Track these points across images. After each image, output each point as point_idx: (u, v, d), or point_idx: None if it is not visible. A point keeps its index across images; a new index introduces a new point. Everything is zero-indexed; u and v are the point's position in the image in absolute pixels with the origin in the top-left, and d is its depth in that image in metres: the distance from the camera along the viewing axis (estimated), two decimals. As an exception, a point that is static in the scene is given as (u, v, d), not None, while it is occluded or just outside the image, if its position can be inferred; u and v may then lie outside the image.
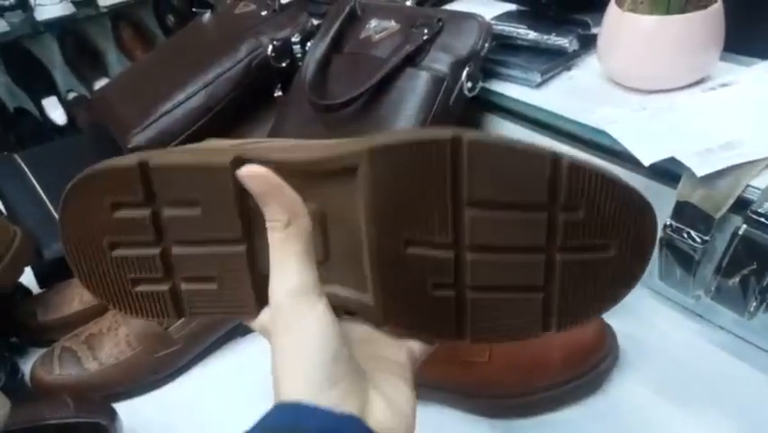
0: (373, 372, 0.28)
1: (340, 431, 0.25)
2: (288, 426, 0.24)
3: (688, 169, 0.51)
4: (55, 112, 1.49)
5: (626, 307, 0.62)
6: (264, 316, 0.29)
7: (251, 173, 0.27)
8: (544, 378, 0.52)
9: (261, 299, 0.30)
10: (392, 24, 0.72)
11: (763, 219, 0.47)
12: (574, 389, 0.53)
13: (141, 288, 0.32)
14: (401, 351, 0.31)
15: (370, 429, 0.26)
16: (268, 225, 0.27)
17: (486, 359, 0.51)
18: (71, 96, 1.56)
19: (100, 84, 1.51)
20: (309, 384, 0.25)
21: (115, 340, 0.58)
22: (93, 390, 0.57)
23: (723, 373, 0.54)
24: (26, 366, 0.60)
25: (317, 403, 0.25)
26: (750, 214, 0.48)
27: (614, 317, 0.57)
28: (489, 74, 0.70)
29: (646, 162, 0.52)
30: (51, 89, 1.52)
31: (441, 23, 0.68)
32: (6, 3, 1.28)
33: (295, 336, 0.26)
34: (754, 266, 0.48)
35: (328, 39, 0.74)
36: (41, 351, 0.60)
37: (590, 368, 0.53)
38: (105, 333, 0.59)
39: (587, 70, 0.69)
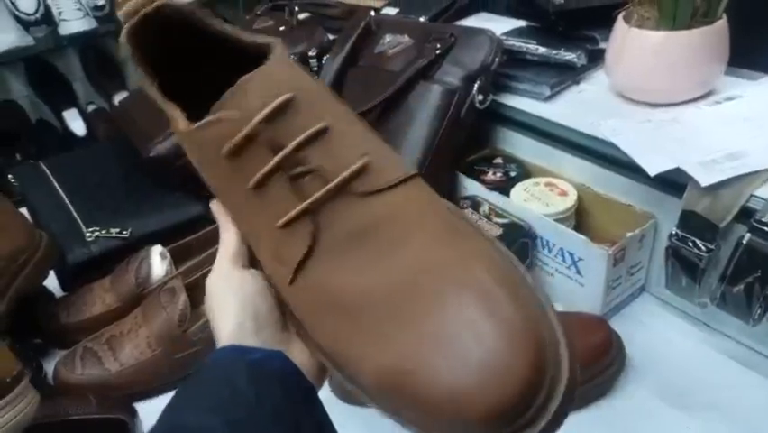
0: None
1: (268, 360, 0.31)
2: (231, 359, 0.30)
3: (693, 179, 0.52)
4: (75, 123, 1.53)
5: (633, 314, 0.64)
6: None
7: (211, 208, 0.37)
8: (552, 382, 0.53)
9: None
10: (406, 39, 0.74)
11: (767, 228, 0.49)
12: (581, 394, 0.54)
13: None
14: None
15: (292, 362, 0.32)
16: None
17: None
18: (91, 108, 1.59)
19: (119, 96, 1.54)
20: (238, 334, 0.32)
21: (136, 342, 0.60)
22: (113, 389, 0.58)
23: (728, 380, 0.55)
24: (49, 366, 0.62)
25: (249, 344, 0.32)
26: (754, 223, 0.50)
27: (620, 324, 0.58)
28: (500, 87, 0.72)
29: (652, 173, 0.54)
30: (72, 101, 1.56)
31: (453, 39, 0.70)
32: (32, 18, 1.32)
33: (221, 301, 0.33)
34: (759, 274, 0.49)
35: (344, 53, 0.76)
36: (64, 352, 0.62)
37: (597, 374, 0.54)
38: (125, 335, 0.61)
39: (595, 84, 0.70)
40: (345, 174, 0.29)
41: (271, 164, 0.29)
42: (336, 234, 0.29)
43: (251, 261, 0.35)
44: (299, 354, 0.33)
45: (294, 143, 0.29)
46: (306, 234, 0.29)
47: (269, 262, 0.32)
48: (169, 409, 0.30)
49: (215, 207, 0.37)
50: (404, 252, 0.28)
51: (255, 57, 0.33)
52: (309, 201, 0.29)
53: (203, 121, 0.30)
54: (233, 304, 0.33)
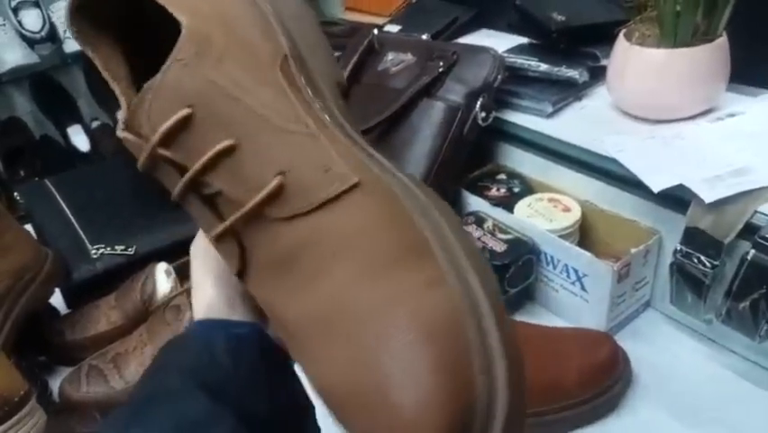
0: None
1: (248, 332, 0.31)
2: (210, 330, 0.31)
3: (696, 195, 0.52)
4: (79, 139, 1.55)
5: (639, 330, 0.64)
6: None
7: None
8: (559, 399, 0.53)
9: None
10: (409, 57, 0.75)
11: (771, 244, 0.49)
12: (588, 410, 0.54)
13: None
14: None
15: (269, 335, 0.32)
16: None
17: (501, 380, 0.53)
18: (95, 124, 1.61)
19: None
20: (216, 307, 0.32)
21: (141, 359, 0.60)
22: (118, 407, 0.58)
23: (734, 396, 0.55)
24: (54, 384, 0.62)
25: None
26: (758, 239, 0.50)
27: (627, 341, 0.58)
28: (503, 104, 0.73)
29: (656, 189, 0.54)
30: (76, 118, 1.57)
31: (456, 56, 0.71)
32: (37, 36, 1.34)
33: (200, 273, 0.33)
34: (764, 291, 0.50)
35: (347, 70, 0.77)
36: (69, 369, 0.62)
37: (604, 390, 0.54)
38: (130, 352, 0.61)
39: (597, 101, 0.71)
40: (256, 199, 0.26)
41: (179, 186, 0.27)
42: (260, 259, 0.27)
43: None
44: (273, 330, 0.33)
45: (196, 167, 0.26)
46: (234, 254, 0.28)
47: None
48: (148, 373, 0.30)
49: None
50: (325, 285, 0.25)
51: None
52: (225, 224, 0.27)
53: (117, 133, 0.28)
54: (209, 280, 0.33)
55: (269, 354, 0.31)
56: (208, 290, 0.33)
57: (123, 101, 0.30)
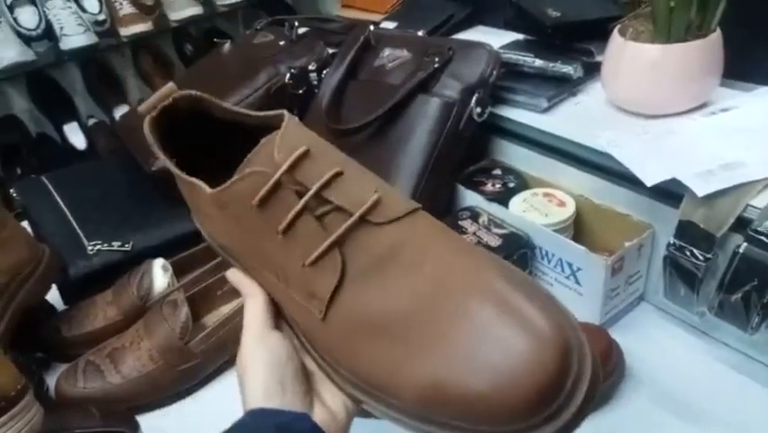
0: (317, 383, 0.37)
1: (295, 423, 0.33)
2: (259, 422, 0.33)
3: (689, 189, 0.53)
4: (76, 137, 1.54)
5: (632, 323, 0.64)
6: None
7: (228, 277, 0.41)
8: (553, 392, 0.53)
9: None
10: (405, 53, 0.75)
11: (763, 237, 0.49)
12: (582, 403, 0.54)
13: None
14: None
15: (316, 424, 0.34)
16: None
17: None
18: (91, 121, 1.60)
19: (120, 110, 1.55)
20: (271, 390, 0.34)
21: (138, 354, 0.60)
22: (116, 402, 0.58)
23: (726, 389, 0.55)
24: (51, 380, 0.62)
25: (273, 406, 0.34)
26: (750, 232, 0.50)
27: (620, 334, 0.59)
28: (498, 100, 0.73)
29: (649, 183, 0.54)
30: (73, 115, 1.57)
31: (452, 52, 0.71)
32: (34, 33, 1.33)
33: (252, 363, 0.36)
34: (756, 283, 0.50)
35: (344, 67, 0.77)
36: (66, 365, 0.62)
37: (598, 383, 0.54)
38: (127, 347, 0.61)
39: (591, 96, 0.71)
40: (364, 208, 0.33)
41: (299, 205, 0.33)
42: (361, 262, 0.33)
43: (276, 322, 0.38)
44: (322, 416, 0.35)
45: (317, 185, 0.33)
46: (335, 266, 0.33)
47: (299, 303, 0.35)
48: None
49: (235, 275, 0.40)
50: (423, 268, 0.32)
51: (262, 128, 0.37)
52: (337, 234, 0.32)
53: (234, 178, 0.34)
54: (262, 366, 0.35)
55: None
56: (259, 379, 0.35)
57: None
